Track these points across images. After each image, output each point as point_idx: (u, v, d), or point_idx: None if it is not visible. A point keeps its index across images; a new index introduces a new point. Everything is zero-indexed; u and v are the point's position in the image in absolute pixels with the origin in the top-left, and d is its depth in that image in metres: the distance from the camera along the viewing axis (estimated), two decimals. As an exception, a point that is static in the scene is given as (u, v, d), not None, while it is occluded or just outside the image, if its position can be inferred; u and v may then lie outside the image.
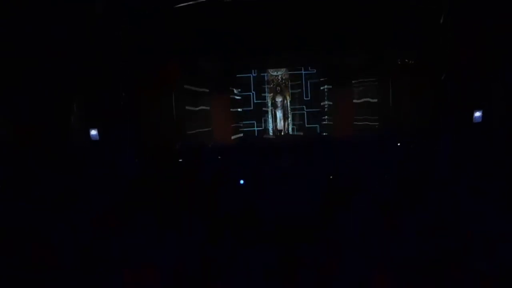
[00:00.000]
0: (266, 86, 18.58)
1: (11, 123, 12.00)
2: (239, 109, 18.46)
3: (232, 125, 18.21)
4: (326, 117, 18.36)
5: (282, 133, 18.51)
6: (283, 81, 18.59)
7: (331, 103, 18.24)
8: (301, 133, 18.41)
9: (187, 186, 11.26)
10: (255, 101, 18.53)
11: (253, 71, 18.51)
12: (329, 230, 8.06)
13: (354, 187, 10.40)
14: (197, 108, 17.61)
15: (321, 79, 18.34)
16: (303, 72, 18.49)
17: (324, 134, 18.08)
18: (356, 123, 17.63)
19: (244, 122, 18.49)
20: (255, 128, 18.54)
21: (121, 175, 12.16)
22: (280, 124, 18.61)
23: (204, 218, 8.87)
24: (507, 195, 8.64)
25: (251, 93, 18.56)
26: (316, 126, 18.40)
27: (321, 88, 18.37)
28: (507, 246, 6.73)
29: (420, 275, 6.31)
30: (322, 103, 18.40)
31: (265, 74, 18.58)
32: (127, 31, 14.00)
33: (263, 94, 18.57)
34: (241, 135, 18.28)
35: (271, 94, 18.61)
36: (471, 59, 13.04)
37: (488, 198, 8.59)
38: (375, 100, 17.33)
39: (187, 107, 17.17)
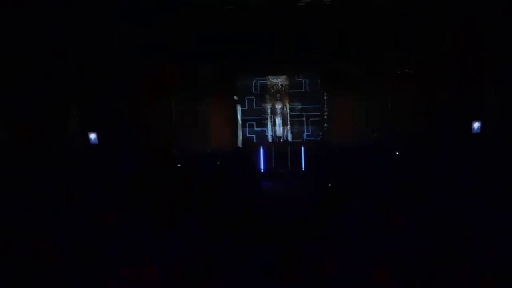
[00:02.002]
0: (266, 92, 18.57)
1: (10, 125, 12.00)
2: (238, 115, 18.46)
3: (231, 131, 18.21)
4: (325, 123, 18.36)
5: (281, 140, 18.50)
6: (283, 87, 18.60)
7: (330, 109, 18.25)
8: (301, 140, 18.38)
9: (186, 187, 11.27)
10: (254, 108, 18.53)
11: (253, 77, 18.52)
12: (329, 230, 8.08)
13: (353, 192, 10.42)
14: (196, 113, 17.62)
15: (321, 86, 18.35)
16: (302, 79, 18.50)
17: (324, 140, 18.06)
18: (355, 129, 17.63)
19: (243, 128, 18.49)
20: (254, 135, 18.53)
21: (119, 176, 12.16)
22: (279, 131, 18.61)
23: (203, 217, 8.89)
24: (507, 196, 8.67)
25: (251, 99, 18.55)
26: (315, 133, 18.38)
27: (321, 94, 18.38)
28: (506, 245, 6.74)
29: (420, 273, 6.31)
30: (321, 110, 18.40)
31: (265, 80, 18.57)
32: (127, 35, 14.04)
33: (262, 101, 18.56)
34: (240, 140, 18.26)
35: (271, 101, 18.62)
36: (469, 66, 13.10)
37: (487, 200, 8.62)
38: (375, 107, 17.36)
39: (186, 112, 17.20)
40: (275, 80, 18.61)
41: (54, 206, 8.82)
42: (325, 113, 18.42)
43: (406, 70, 16.19)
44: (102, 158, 12.90)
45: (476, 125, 13.52)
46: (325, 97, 18.39)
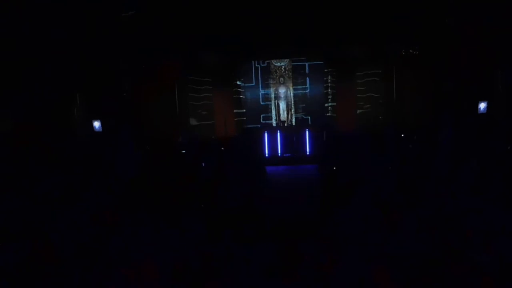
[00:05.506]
0: (269, 77, 18.50)
1: (12, 121, 12.00)
2: (241, 101, 18.42)
3: (235, 117, 18.17)
4: (329, 108, 18.29)
5: (286, 124, 18.45)
6: (287, 72, 18.52)
7: (334, 94, 18.16)
8: (304, 125, 18.32)
9: (189, 181, 11.29)
10: (258, 92, 18.48)
11: (255, 62, 18.45)
12: (329, 227, 8.09)
13: (355, 182, 10.41)
14: (199, 101, 17.59)
15: (325, 70, 18.26)
16: (306, 63, 18.41)
17: (327, 125, 17.98)
18: (358, 114, 17.58)
19: (247, 114, 18.45)
20: (259, 120, 18.50)
21: (122, 171, 12.17)
22: (283, 115, 18.56)
23: (204, 215, 8.91)
24: (507, 192, 8.64)
25: (254, 84, 18.50)
26: (319, 118, 18.30)
27: (325, 79, 18.29)
28: (506, 242, 6.74)
29: (420, 272, 6.32)
30: (325, 95, 18.32)
31: (268, 65, 18.49)
32: (128, 24, 13.97)
33: (266, 85, 18.50)
34: (244, 127, 18.22)
35: (275, 85, 18.55)
36: (472, 53, 13.01)
37: (488, 195, 8.60)
38: (378, 92, 17.28)
39: (189, 101, 17.15)
40: (278, 64, 18.51)
41: (54, 206, 8.87)
42: (329, 97, 18.33)
43: (411, 51, 16.06)
44: (104, 154, 12.89)
45: (482, 105, 13.44)
46: (329, 81, 18.28)
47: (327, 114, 18.27)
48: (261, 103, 18.58)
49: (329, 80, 18.24)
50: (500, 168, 10.03)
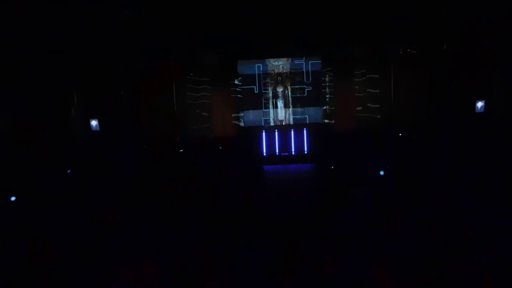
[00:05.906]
0: (267, 76, 18.46)
1: (11, 121, 11.97)
2: (239, 100, 18.37)
3: (233, 117, 18.14)
4: (327, 107, 18.27)
5: (283, 123, 18.42)
6: (285, 70, 18.48)
7: (332, 93, 18.13)
8: (302, 124, 18.30)
9: (189, 181, 11.28)
10: (256, 92, 18.43)
11: (254, 61, 18.40)
12: (329, 227, 8.09)
13: (354, 181, 10.41)
14: (197, 100, 17.55)
15: (322, 70, 18.23)
16: (303, 62, 18.38)
17: (325, 125, 17.97)
18: (357, 113, 17.55)
19: (245, 113, 18.41)
20: (257, 119, 18.46)
21: (122, 171, 12.17)
22: (281, 114, 18.52)
23: (204, 215, 8.90)
24: (507, 192, 8.65)
25: (252, 83, 18.46)
26: (317, 117, 18.28)
27: (323, 78, 18.26)
28: (506, 242, 6.74)
29: (420, 272, 6.32)
30: (323, 94, 18.30)
31: (266, 64, 18.45)
32: (127, 23, 13.95)
33: (264, 84, 18.45)
34: (242, 126, 18.19)
35: (272, 84, 18.51)
36: (472, 53, 13.01)
37: (488, 195, 8.61)
38: (377, 92, 17.23)
39: (187, 100, 17.10)
40: (276, 63, 18.48)
41: (54, 206, 8.86)
42: (327, 96, 18.30)
43: (409, 50, 16.06)
44: (103, 154, 12.87)
45: (479, 104, 13.47)
46: (327, 80, 18.26)
47: (325, 113, 18.24)
48: (259, 102, 18.52)
49: (327, 79, 18.21)
50: (500, 168, 10.03)
